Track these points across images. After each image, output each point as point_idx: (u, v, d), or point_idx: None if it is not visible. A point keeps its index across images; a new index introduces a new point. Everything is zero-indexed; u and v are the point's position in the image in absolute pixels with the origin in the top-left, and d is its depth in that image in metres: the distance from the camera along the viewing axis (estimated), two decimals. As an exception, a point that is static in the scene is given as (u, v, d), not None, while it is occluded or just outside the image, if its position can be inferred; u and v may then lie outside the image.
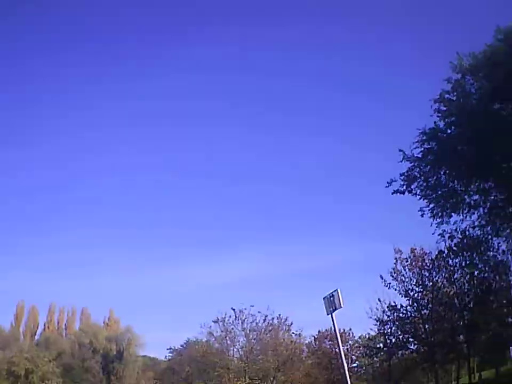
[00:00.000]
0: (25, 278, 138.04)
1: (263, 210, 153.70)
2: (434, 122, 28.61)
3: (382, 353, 48.24)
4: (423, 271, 42.55)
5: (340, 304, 15.99)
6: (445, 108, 28.12)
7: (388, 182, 29.75)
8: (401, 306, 42.85)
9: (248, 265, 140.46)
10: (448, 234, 32.91)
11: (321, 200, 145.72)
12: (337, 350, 54.63)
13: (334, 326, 17.03)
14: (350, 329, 57.01)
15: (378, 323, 44.98)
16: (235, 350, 51.71)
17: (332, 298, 16.11)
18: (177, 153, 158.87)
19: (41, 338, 71.57)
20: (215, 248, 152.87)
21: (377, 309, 44.35)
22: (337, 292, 16.14)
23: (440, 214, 29.97)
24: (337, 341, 16.86)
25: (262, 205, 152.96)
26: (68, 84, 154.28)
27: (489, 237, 33.61)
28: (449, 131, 28.98)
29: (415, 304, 42.50)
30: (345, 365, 17.44)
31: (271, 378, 52.91)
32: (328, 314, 16.33)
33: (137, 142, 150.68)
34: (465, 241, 38.31)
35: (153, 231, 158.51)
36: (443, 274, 42.71)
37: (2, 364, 54.76)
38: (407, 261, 42.56)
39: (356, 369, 56.70)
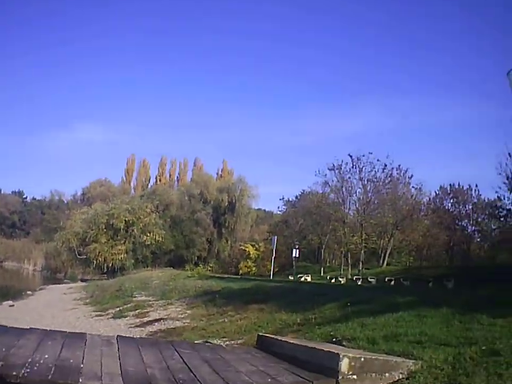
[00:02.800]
0: (136, 133, 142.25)
1: (383, 64, 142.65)
2: None
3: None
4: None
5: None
6: None
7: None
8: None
9: (367, 120, 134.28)
10: None
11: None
12: (462, 211, 49.45)
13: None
14: (476, 186, 49.20)
15: (508, 180, 36.60)
16: (351, 202, 48.60)
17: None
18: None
19: (149, 191, 67.33)
20: (334, 102, 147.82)
21: (507, 164, 35.99)
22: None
23: None
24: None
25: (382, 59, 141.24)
26: None
27: None
28: None
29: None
30: None
31: (388, 236, 49.22)
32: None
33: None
34: None
35: (271, 82, 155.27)
36: None
37: (102, 217, 50.51)
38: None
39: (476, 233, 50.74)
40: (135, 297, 25.05)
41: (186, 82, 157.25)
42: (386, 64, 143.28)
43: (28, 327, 8.16)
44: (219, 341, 11.46)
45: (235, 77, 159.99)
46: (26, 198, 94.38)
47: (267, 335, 9.27)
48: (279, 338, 8.55)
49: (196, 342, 10.61)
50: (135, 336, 12.61)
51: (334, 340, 8.88)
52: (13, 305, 25.73)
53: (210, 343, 10.50)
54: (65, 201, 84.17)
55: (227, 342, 11.33)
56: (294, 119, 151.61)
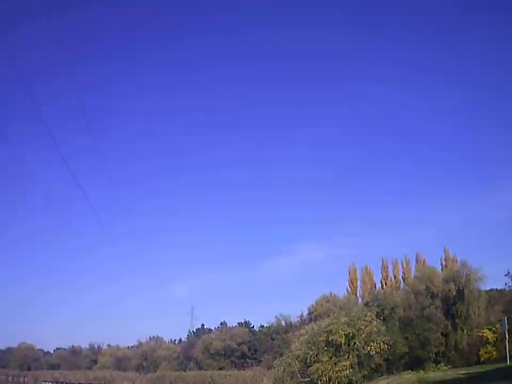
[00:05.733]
0: (354, 243, 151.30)
1: None
2: None
3: None
4: None
5: None
6: None
7: None
8: None
9: None
10: None
11: None
12: None
13: None
14: None
15: None
16: None
17: None
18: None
19: (372, 297, 65.32)
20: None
21: None
22: None
23: None
24: None
25: None
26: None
27: None
28: None
29: None
30: None
31: None
32: None
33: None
34: None
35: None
36: None
37: (320, 335, 48.40)
38: None
39: None
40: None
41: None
42: None
43: None
44: None
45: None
46: (253, 327, 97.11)
47: None
48: None
49: None
50: None
51: None
52: None
53: None
54: (292, 324, 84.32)
55: None
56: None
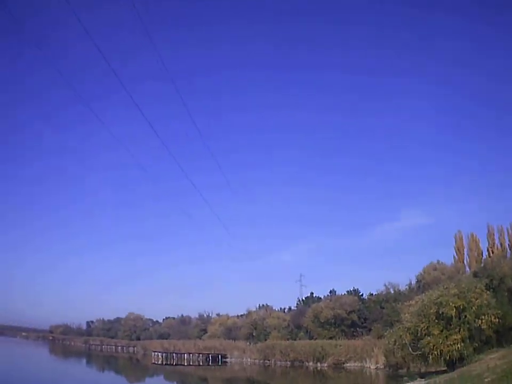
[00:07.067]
0: (459, 209, 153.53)
1: None
2: None
3: None
4: None
5: None
6: None
7: None
8: None
9: None
10: None
11: None
12: None
13: None
14: None
15: None
16: None
17: None
18: None
19: (480, 267, 64.56)
20: None
21: None
22: None
23: None
24: None
25: None
26: None
27: None
28: None
29: None
30: None
31: None
32: None
33: None
34: None
35: None
36: None
37: (430, 308, 48.05)
38: None
39: None
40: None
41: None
42: None
43: None
44: None
45: None
46: (362, 295, 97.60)
47: None
48: None
49: None
50: None
51: None
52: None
53: None
54: (401, 292, 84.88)
55: None
56: None
